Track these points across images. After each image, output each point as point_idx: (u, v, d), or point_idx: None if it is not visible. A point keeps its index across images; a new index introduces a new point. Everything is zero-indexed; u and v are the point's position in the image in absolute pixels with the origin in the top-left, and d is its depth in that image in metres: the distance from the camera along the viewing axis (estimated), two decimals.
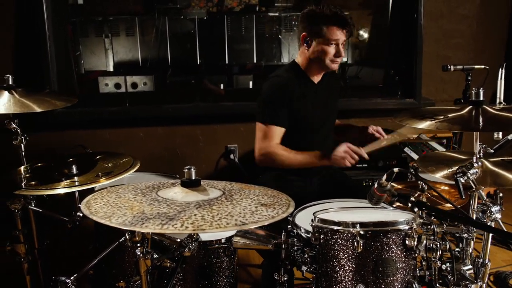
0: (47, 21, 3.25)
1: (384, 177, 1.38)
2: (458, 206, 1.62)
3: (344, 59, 4.18)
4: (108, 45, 3.88)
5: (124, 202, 1.36)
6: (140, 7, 3.95)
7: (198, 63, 3.88)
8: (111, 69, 3.92)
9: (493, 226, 1.57)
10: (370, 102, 3.77)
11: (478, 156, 1.58)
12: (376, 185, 1.42)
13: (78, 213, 1.96)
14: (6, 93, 1.99)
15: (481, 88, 1.56)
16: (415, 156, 2.88)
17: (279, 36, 3.98)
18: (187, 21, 3.81)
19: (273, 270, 1.79)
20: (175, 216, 1.26)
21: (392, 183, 1.91)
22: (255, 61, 3.95)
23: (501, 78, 2.20)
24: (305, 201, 2.13)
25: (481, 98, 1.58)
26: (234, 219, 1.27)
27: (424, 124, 1.51)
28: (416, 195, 1.86)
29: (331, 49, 2.35)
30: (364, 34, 4.26)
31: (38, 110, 1.93)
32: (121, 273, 1.92)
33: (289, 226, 1.88)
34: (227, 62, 3.92)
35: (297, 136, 2.41)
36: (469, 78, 2.63)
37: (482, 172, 1.93)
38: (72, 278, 1.64)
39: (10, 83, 2.03)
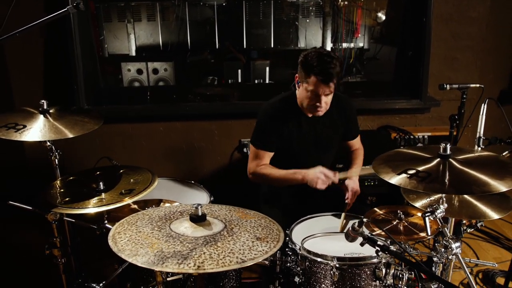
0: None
1: (357, 223, 1.68)
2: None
3: (360, 44, 4.31)
4: (130, 30, 4.10)
5: (144, 238, 1.67)
6: None
7: (217, 47, 4.07)
8: (133, 53, 4.16)
9: (454, 260, 1.84)
10: (377, 102, 3.89)
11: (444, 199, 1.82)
12: (351, 229, 1.71)
13: (104, 222, 2.29)
14: (41, 117, 2.27)
15: (448, 144, 1.75)
16: None
17: (296, 22, 4.13)
18: (206, 7, 3.97)
19: (269, 282, 2.11)
20: (188, 254, 1.56)
21: (376, 208, 2.22)
22: (272, 46, 4.12)
23: (482, 114, 2.35)
24: (304, 212, 2.40)
25: (448, 153, 1.77)
26: (235, 257, 1.58)
27: (395, 179, 1.73)
28: (395, 223, 2.14)
29: (312, 98, 2.41)
30: (382, 17, 4.35)
31: (70, 135, 2.21)
32: (145, 273, 2.24)
33: (287, 239, 2.17)
34: (245, 47, 4.11)
35: (284, 162, 2.58)
36: (465, 96, 2.79)
37: (458, 203, 2.19)
38: (101, 284, 1.98)
39: (45, 107, 2.31)
